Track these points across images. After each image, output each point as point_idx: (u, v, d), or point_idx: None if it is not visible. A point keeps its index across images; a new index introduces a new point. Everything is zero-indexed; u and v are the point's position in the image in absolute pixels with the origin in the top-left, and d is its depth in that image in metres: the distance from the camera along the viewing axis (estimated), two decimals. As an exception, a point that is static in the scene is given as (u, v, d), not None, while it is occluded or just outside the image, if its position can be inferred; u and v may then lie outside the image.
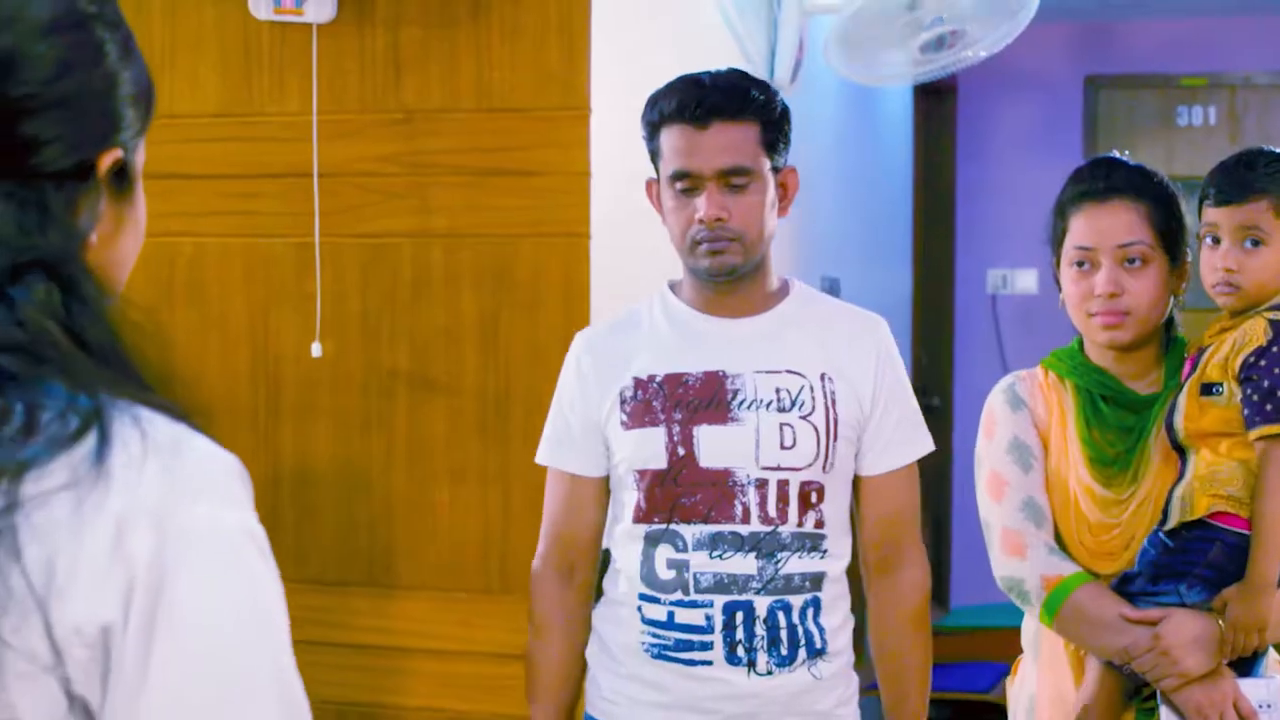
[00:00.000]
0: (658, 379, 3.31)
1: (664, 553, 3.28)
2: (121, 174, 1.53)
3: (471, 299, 4.28)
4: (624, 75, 4.35)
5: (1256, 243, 3.23)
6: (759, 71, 5.43)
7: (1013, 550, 3.33)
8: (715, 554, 3.24)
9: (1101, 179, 3.36)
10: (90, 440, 1.36)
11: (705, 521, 3.24)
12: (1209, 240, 3.29)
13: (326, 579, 4.39)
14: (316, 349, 4.32)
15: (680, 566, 3.27)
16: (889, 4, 5.12)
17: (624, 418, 3.32)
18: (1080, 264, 3.33)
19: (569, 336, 4.17)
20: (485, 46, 4.25)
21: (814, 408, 3.27)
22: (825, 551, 3.28)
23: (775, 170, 3.30)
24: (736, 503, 3.24)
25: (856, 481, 3.37)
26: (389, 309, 4.35)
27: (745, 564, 3.23)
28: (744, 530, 3.24)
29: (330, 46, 4.34)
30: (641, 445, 3.29)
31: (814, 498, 3.26)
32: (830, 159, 6.64)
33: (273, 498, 4.42)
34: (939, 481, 8.53)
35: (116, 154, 1.52)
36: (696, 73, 3.32)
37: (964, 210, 9.35)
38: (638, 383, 3.32)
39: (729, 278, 3.29)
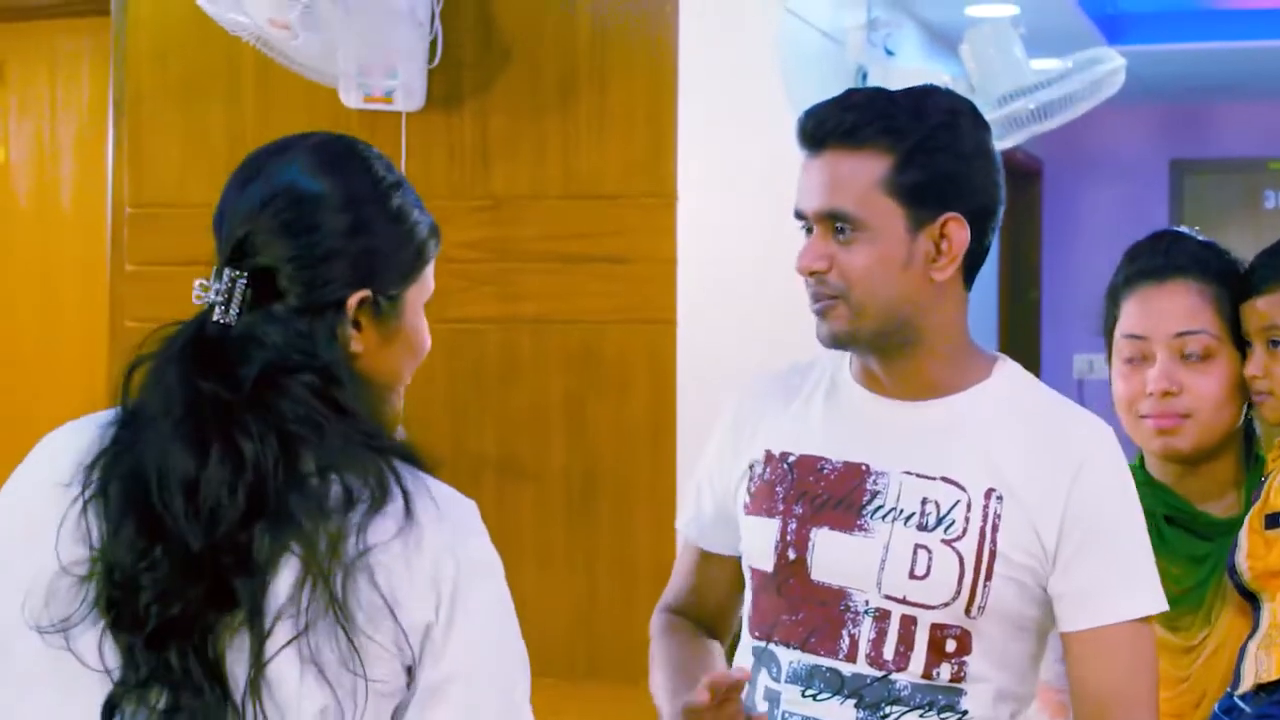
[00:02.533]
0: (791, 458, 2.60)
1: (763, 679, 2.60)
2: (378, 305, 2.12)
3: (558, 384, 4.29)
4: (710, 162, 4.36)
5: (1277, 343, 2.69)
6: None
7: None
8: (809, 692, 2.53)
9: (1160, 255, 2.78)
10: (398, 499, 2.00)
11: (803, 648, 2.54)
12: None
13: (413, 663, 4.38)
14: (401, 433, 4.33)
15: (774, 700, 2.58)
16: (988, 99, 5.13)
17: (747, 499, 2.65)
18: (1130, 358, 2.78)
19: (656, 422, 4.19)
20: (573, 134, 4.27)
21: (965, 531, 2.48)
22: (965, 715, 2.50)
23: (920, 222, 2.49)
24: (844, 633, 2.51)
25: (1064, 640, 2.54)
26: (476, 394, 4.36)
27: (842, 712, 2.51)
28: (846, 669, 2.51)
29: (419, 134, 4.38)
30: (755, 537, 2.62)
31: (951, 646, 2.49)
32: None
33: (360, 582, 4.42)
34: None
35: (363, 294, 2.09)
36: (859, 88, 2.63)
37: (1049, 294, 9.33)
38: (769, 458, 2.63)
39: (844, 349, 2.59)
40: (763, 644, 2.59)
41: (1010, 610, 2.48)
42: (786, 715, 2.54)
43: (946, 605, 2.46)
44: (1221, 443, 2.77)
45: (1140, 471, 2.81)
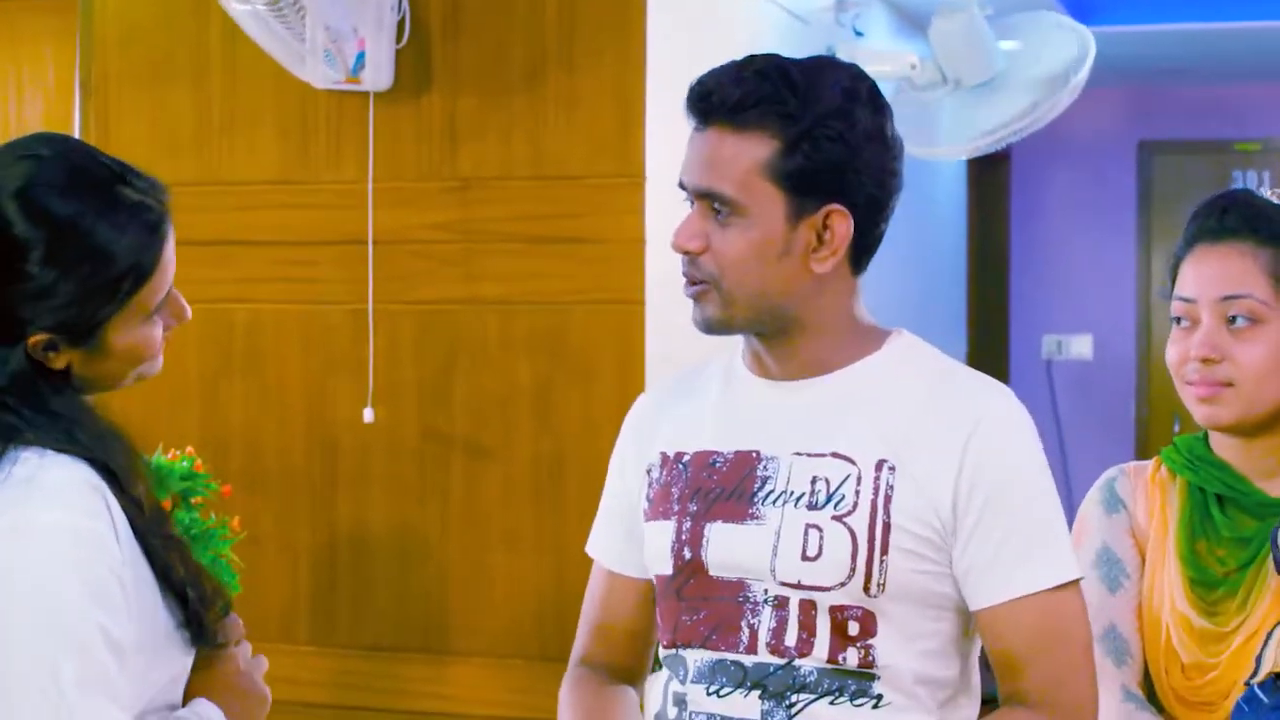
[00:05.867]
0: (686, 457, 2.49)
1: (671, 685, 2.48)
2: (81, 339, 2.13)
3: (526, 366, 4.29)
4: (679, 142, 4.35)
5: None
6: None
7: None
8: (713, 689, 2.41)
9: (1215, 216, 2.59)
10: None
11: (705, 646, 2.42)
12: None
13: (382, 645, 4.39)
14: (369, 414, 4.34)
15: (680, 702, 2.46)
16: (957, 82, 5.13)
17: (646, 505, 2.53)
18: (1179, 320, 2.59)
19: (623, 403, 4.15)
20: (540, 115, 4.27)
21: (855, 506, 2.34)
22: (880, 700, 2.36)
23: (801, 211, 2.35)
24: (743, 624, 2.40)
25: (976, 619, 2.40)
26: (444, 375, 4.36)
27: (746, 705, 2.39)
28: (748, 661, 2.39)
29: (387, 115, 4.37)
30: (654, 542, 2.49)
31: (853, 629, 2.35)
32: (884, 225, 6.63)
33: (329, 563, 4.42)
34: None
35: (40, 338, 2.11)
36: (758, 54, 2.45)
37: (1018, 276, 9.33)
38: (664, 460, 2.52)
39: (721, 334, 2.46)
40: (672, 651, 2.46)
41: (915, 588, 2.35)
42: (693, 715, 2.42)
43: (843, 585, 2.33)
44: (1276, 415, 2.57)
45: (1201, 444, 2.65)
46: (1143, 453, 8.73)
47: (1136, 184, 9.34)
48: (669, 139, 4.26)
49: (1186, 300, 2.56)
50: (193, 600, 2.18)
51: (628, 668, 2.63)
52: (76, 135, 4.70)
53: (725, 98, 2.37)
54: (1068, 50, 5.17)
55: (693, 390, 2.58)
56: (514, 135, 4.30)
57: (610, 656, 2.64)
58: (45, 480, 2.07)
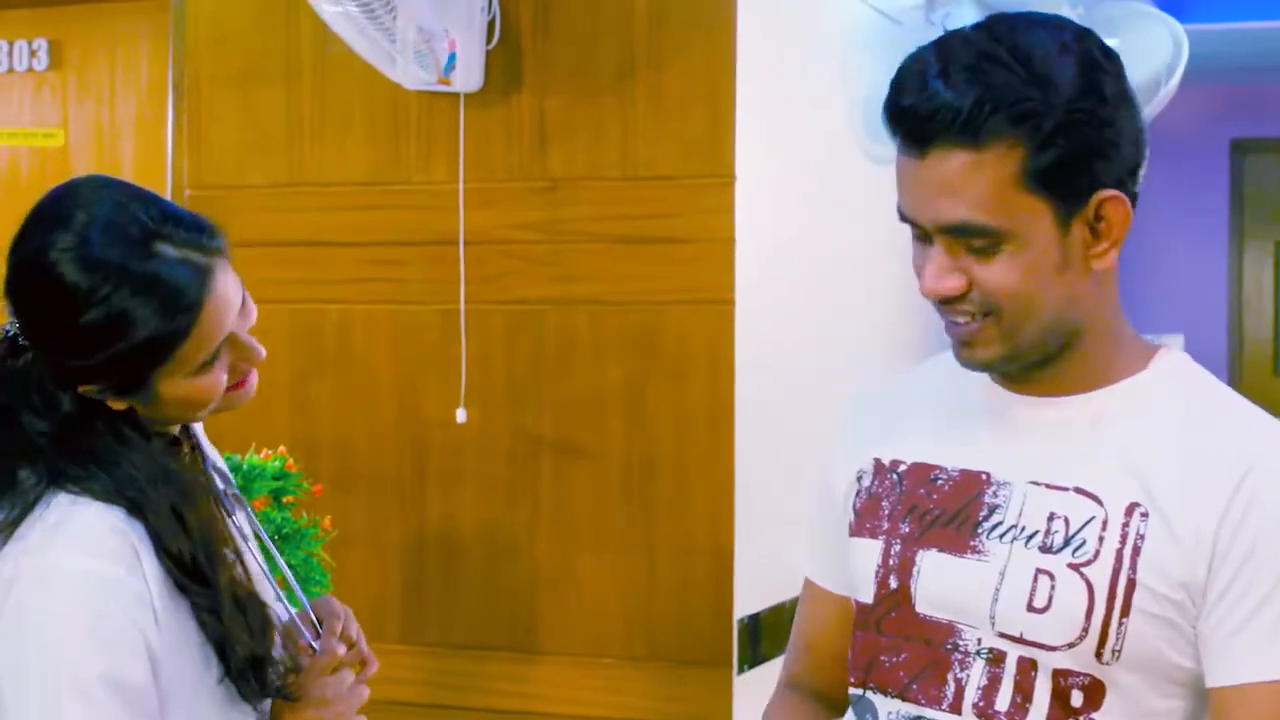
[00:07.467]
0: (902, 468, 2.20)
1: None
2: (129, 392, 2.21)
3: (616, 366, 4.28)
4: (769, 142, 4.35)
5: None
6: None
7: None
8: None
9: None
10: (17, 516, 2.14)
11: (903, 696, 2.12)
12: None
13: (471, 644, 4.39)
14: (461, 414, 4.34)
15: None
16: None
17: (852, 517, 2.24)
18: None
19: (714, 403, 4.18)
20: (630, 115, 4.26)
21: (1097, 555, 2.00)
22: None
23: (1070, 212, 2.02)
24: (949, 678, 2.08)
25: (1209, 699, 2.04)
26: (534, 376, 4.36)
27: None
28: None
29: (477, 115, 4.38)
30: (857, 562, 2.21)
31: (1078, 699, 2.02)
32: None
33: (418, 562, 4.43)
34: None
35: (90, 389, 2.19)
36: (944, 42, 2.05)
37: (1109, 275, 9.28)
38: (878, 468, 2.23)
39: (996, 372, 2.14)
40: (860, 691, 2.18)
41: (1155, 657, 2.01)
42: None
43: (1072, 646, 2.01)
44: None
45: None
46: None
47: (1229, 183, 9.27)
48: (759, 138, 4.25)
49: None
50: (230, 659, 2.21)
51: (838, 693, 2.31)
52: (169, 135, 4.73)
53: (956, 114, 1.97)
54: (1162, 49, 5.13)
55: (920, 390, 2.28)
56: (603, 135, 4.29)
57: (817, 680, 2.39)
58: (72, 525, 2.14)
